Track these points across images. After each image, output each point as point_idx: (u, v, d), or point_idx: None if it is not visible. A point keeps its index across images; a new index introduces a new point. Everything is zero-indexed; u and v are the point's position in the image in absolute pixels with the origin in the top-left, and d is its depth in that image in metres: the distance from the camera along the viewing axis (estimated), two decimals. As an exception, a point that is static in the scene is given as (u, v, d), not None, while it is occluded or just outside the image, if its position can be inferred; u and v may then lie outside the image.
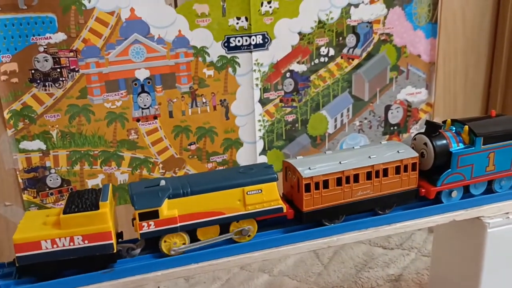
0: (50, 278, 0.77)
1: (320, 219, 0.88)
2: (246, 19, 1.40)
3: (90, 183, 1.38)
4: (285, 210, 0.86)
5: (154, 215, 0.79)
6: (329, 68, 1.55)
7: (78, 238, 0.76)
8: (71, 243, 0.76)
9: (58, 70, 1.28)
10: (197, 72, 1.41)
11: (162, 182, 0.82)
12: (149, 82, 1.37)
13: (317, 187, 0.86)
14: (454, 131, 0.96)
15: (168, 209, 0.80)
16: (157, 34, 1.34)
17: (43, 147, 1.32)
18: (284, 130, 1.56)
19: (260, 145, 1.54)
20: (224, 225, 0.84)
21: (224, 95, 1.46)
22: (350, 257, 1.45)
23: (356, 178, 0.88)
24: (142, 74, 1.36)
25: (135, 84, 1.36)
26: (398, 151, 0.91)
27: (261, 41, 1.44)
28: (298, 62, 1.51)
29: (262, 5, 1.41)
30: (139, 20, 1.31)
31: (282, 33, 1.46)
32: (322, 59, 1.53)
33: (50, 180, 1.35)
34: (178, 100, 1.41)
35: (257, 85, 1.48)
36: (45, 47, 1.25)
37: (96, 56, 1.30)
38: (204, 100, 1.44)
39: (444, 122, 1.00)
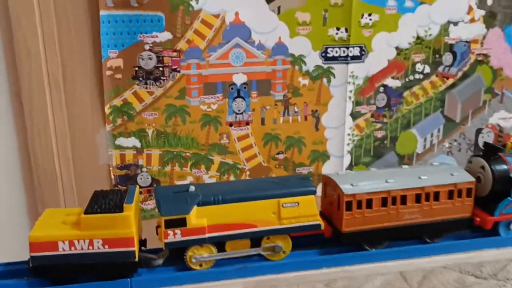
0: (64, 282, 0.72)
1: (360, 242, 0.81)
2: (346, 30, 1.38)
3: (179, 185, 1.38)
4: (323, 228, 0.79)
5: (182, 223, 0.73)
6: (423, 85, 1.51)
7: (98, 242, 0.71)
8: (90, 247, 0.71)
9: (161, 69, 1.28)
10: (292, 80, 1.39)
11: (192, 188, 0.76)
12: (245, 88, 1.36)
13: (359, 206, 0.79)
14: None
15: (197, 217, 0.74)
16: (258, 40, 1.34)
17: (138, 145, 1.32)
18: (372, 146, 1.52)
19: (347, 160, 1.50)
20: (256, 239, 0.77)
21: (317, 105, 1.43)
22: (440, 283, 1.37)
23: (403, 199, 0.81)
24: (239, 79, 1.35)
25: (232, 89, 1.35)
26: (452, 174, 0.84)
27: (358, 53, 1.42)
28: (392, 77, 1.47)
29: (362, 17, 1.39)
30: (242, 24, 1.31)
31: (379, 47, 1.43)
32: (417, 76, 1.49)
33: (141, 179, 1.35)
34: (271, 107, 1.40)
35: (350, 97, 1.45)
36: (151, 45, 1.26)
37: (198, 57, 1.30)
38: (296, 109, 1.42)
39: (504, 145, 0.93)
